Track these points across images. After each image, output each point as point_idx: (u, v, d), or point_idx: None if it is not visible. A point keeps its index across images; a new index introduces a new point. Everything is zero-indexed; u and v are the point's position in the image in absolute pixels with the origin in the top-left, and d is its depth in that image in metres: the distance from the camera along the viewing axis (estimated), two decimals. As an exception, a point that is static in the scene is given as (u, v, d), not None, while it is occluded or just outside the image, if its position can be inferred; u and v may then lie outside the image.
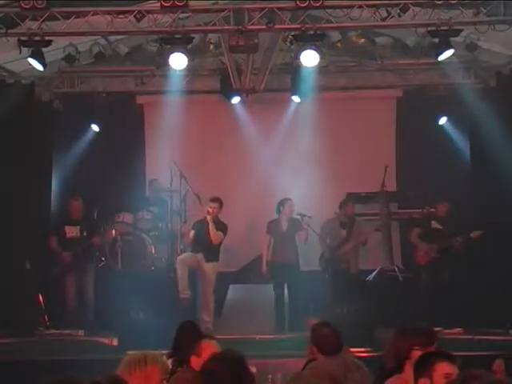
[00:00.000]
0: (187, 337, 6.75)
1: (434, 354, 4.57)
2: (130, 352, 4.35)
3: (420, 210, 13.32)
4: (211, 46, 13.16)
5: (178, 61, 11.27)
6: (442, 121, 14.39)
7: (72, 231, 12.68)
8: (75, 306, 12.47)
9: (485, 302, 12.34)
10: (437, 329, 10.56)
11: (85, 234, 12.66)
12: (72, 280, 12.50)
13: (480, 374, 4.03)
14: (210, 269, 12.23)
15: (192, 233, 12.50)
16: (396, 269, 13.34)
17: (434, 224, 12.94)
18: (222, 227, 12.30)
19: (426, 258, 12.81)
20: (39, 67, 11.29)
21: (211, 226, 12.16)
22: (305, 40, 11.15)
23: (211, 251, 12.29)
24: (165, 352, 7.03)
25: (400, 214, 14.21)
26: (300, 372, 6.32)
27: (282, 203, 12.46)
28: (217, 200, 12.43)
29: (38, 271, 12.89)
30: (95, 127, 14.75)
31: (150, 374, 4.18)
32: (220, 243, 12.37)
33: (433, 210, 13.04)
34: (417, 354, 4.77)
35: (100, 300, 12.48)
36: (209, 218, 12.24)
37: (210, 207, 12.30)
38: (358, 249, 13.08)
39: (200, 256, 12.27)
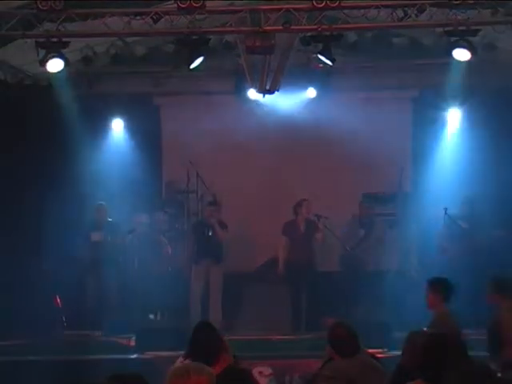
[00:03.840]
0: (203, 337, 6.74)
1: None
2: (174, 365, 4.04)
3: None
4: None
5: (196, 62, 11.31)
6: (447, 119, 14.29)
7: (96, 236, 12.75)
8: (94, 307, 12.51)
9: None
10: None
11: (109, 238, 12.72)
12: (93, 282, 12.55)
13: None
14: (218, 270, 12.24)
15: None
16: (413, 268, 13.30)
17: (461, 223, 12.90)
18: (223, 227, 12.33)
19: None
20: (60, 65, 11.24)
21: (217, 227, 12.26)
22: (322, 41, 11.15)
23: (217, 252, 12.31)
24: (181, 353, 7.06)
25: (416, 213, 14.15)
26: (317, 372, 6.33)
27: (299, 204, 12.47)
28: (214, 203, 12.85)
29: (55, 272, 12.93)
30: (119, 124, 14.75)
31: None
32: (222, 243, 12.40)
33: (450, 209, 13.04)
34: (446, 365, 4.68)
35: (117, 301, 12.52)
36: (213, 220, 12.30)
37: (210, 210, 12.43)
38: (376, 248, 13.06)
39: (208, 261, 12.29)
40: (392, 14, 10.90)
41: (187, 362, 6.59)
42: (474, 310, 11.09)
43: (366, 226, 13.00)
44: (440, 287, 8.21)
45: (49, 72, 11.60)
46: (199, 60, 11.33)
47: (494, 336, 8.06)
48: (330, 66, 11.63)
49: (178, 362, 6.98)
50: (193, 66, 11.49)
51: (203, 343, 6.37)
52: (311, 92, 14.19)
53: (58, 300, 12.43)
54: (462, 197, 13.15)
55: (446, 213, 13.13)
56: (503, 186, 13.19)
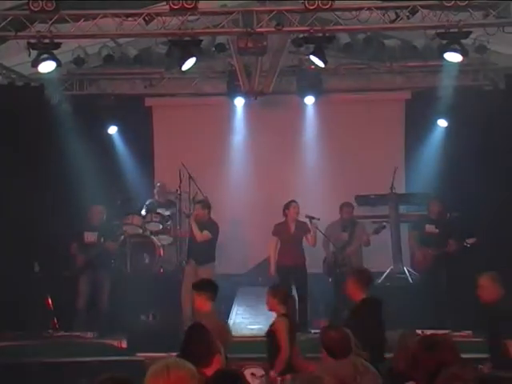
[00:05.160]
0: (195, 340, 6.73)
1: None
2: (153, 364, 4.09)
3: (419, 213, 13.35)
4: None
5: (188, 63, 11.30)
6: (442, 123, 14.29)
7: (90, 237, 12.71)
8: (86, 309, 12.48)
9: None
10: (445, 331, 10.63)
11: (102, 240, 12.69)
12: (85, 283, 12.52)
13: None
14: (205, 271, 12.15)
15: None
16: (406, 271, 13.31)
17: (429, 228, 12.87)
18: (209, 227, 12.28)
19: (424, 263, 12.84)
20: (51, 67, 11.23)
21: (194, 227, 12.24)
22: (313, 42, 11.16)
23: (201, 253, 12.23)
24: (173, 354, 7.05)
25: (409, 216, 14.17)
26: (310, 373, 6.33)
27: (287, 206, 12.45)
28: (199, 202, 12.64)
29: (47, 273, 12.90)
30: (110, 125, 14.74)
31: (175, 382, 3.96)
32: (209, 244, 12.28)
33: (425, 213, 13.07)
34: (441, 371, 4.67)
35: (109, 302, 12.49)
36: (191, 219, 12.39)
37: (195, 209, 12.47)
38: (360, 251, 13.05)
39: (194, 262, 12.24)
40: (384, 15, 10.92)
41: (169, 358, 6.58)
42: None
43: (351, 228, 12.97)
44: (360, 277, 8.40)
45: (41, 73, 11.59)
46: (191, 61, 11.34)
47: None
48: (322, 67, 11.63)
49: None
50: (185, 67, 11.49)
51: (195, 345, 6.36)
52: (309, 99, 14.20)
53: (50, 301, 12.38)
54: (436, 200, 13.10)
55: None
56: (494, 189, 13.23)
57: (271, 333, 8.39)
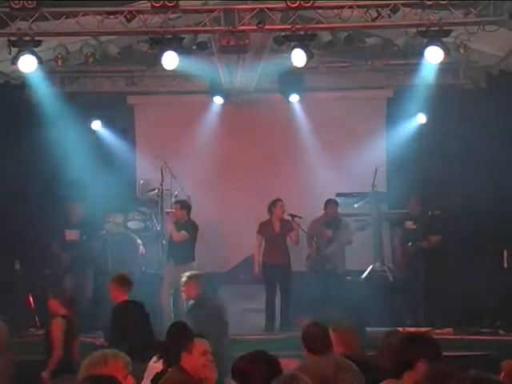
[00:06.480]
0: (177, 337, 6.73)
1: None
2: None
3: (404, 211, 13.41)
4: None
5: (170, 61, 11.28)
6: (421, 118, 14.33)
7: (71, 235, 12.66)
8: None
9: (471, 301, 12.41)
10: (427, 329, 10.68)
11: (84, 237, 12.64)
12: (68, 282, 12.46)
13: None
14: (184, 270, 12.12)
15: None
16: (386, 269, 13.35)
17: (409, 225, 12.95)
18: (187, 227, 12.26)
19: (404, 260, 12.92)
20: (32, 64, 11.16)
21: (170, 227, 12.23)
22: (295, 40, 11.16)
23: (179, 253, 12.20)
24: (155, 353, 7.03)
25: (390, 214, 14.22)
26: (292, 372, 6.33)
27: (273, 204, 12.45)
28: (178, 202, 12.64)
29: (28, 272, 12.84)
30: (92, 123, 14.67)
31: (112, 371, 4.18)
32: (188, 244, 12.25)
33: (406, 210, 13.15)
34: (421, 366, 4.69)
35: (91, 301, 12.45)
36: (168, 218, 12.37)
37: (173, 209, 12.48)
38: (343, 249, 13.07)
39: (173, 262, 12.22)
40: (365, 14, 10.94)
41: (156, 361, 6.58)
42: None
43: (335, 226, 12.99)
44: (121, 281, 9.19)
45: (22, 71, 11.53)
46: (173, 60, 11.31)
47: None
48: (303, 65, 11.63)
49: (152, 362, 6.98)
50: (166, 65, 11.46)
51: (177, 343, 6.37)
52: (293, 98, 14.20)
53: (31, 300, 12.33)
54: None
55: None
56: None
57: (47, 333, 8.92)
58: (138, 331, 8.73)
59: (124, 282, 9.25)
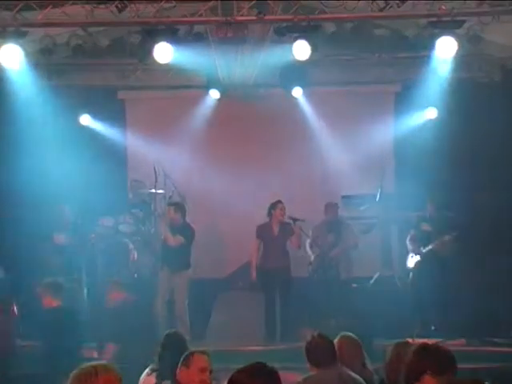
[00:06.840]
0: (172, 350, 6.75)
1: None
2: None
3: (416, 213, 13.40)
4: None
5: (163, 54, 11.28)
6: (431, 113, 14.33)
7: (60, 239, 12.65)
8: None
9: (485, 310, 12.42)
10: (438, 340, 10.67)
11: (73, 241, 12.64)
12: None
13: None
14: (181, 277, 12.14)
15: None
16: (395, 275, 13.35)
17: (425, 226, 12.96)
18: (182, 231, 12.25)
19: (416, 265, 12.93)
20: (17, 57, 11.16)
21: (164, 230, 12.21)
22: (298, 32, 11.15)
23: (175, 260, 12.18)
24: (149, 365, 7.05)
25: (401, 216, 14.20)
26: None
27: (273, 206, 12.46)
28: (172, 204, 12.55)
29: (12, 278, 12.84)
30: (81, 119, 14.68)
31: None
32: (183, 249, 12.24)
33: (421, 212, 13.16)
34: (429, 379, 4.71)
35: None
36: (163, 221, 12.33)
37: (167, 212, 12.41)
38: (349, 254, 13.07)
39: (168, 268, 12.20)
40: (372, 3, 10.92)
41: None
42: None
43: (337, 230, 13.00)
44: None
45: (6, 63, 11.54)
46: (167, 52, 11.31)
47: None
48: (307, 58, 11.63)
49: (145, 375, 6.99)
50: (160, 58, 11.46)
51: (172, 356, 6.39)
52: (297, 92, 14.19)
53: (15, 308, 12.32)
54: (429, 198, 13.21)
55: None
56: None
57: None
58: None
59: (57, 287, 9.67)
